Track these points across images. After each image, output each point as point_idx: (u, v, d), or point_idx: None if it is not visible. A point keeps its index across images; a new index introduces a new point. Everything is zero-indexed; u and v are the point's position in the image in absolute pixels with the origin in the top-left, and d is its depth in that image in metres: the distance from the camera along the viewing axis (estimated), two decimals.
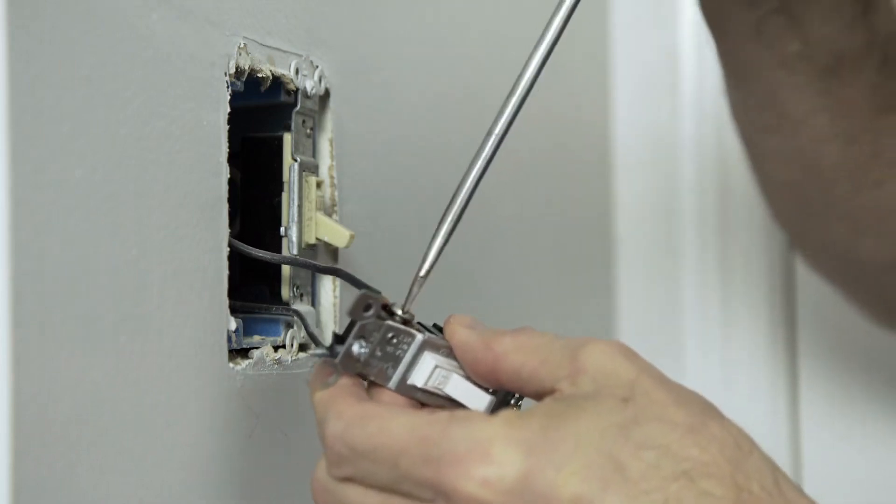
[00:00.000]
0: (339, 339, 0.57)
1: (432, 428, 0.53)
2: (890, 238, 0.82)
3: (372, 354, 0.57)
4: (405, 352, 0.57)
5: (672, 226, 1.09)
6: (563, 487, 0.51)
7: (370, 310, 0.57)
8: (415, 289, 0.59)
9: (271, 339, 0.66)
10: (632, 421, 0.52)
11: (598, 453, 0.51)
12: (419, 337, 0.57)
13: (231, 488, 0.62)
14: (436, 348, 0.58)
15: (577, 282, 1.05)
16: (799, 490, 0.53)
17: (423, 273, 0.59)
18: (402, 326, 0.57)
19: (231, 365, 0.62)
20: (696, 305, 1.09)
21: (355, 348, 0.57)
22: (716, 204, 1.07)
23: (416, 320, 0.59)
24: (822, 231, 0.84)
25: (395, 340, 0.57)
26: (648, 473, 0.51)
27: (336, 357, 0.57)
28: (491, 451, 0.51)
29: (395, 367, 0.57)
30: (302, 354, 0.67)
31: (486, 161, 0.60)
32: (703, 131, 1.07)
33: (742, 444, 0.53)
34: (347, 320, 0.58)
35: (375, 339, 0.57)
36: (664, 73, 1.08)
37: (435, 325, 0.59)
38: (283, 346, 0.66)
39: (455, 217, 0.60)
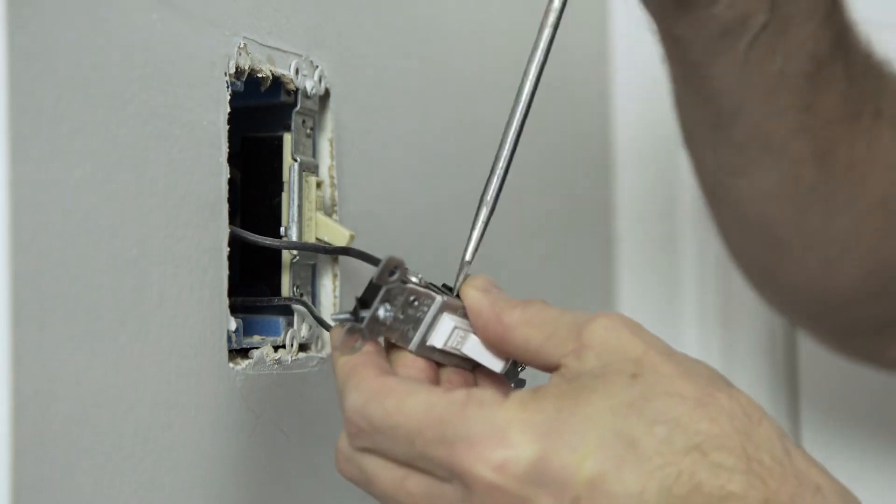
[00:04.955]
0: (362, 303, 0.58)
1: (449, 409, 0.53)
2: (860, 264, 0.82)
3: (395, 318, 0.58)
4: (425, 314, 0.58)
5: (672, 225, 1.09)
6: (579, 469, 0.51)
7: (395, 274, 0.57)
8: (461, 274, 0.59)
9: (271, 339, 0.65)
10: (641, 397, 0.53)
11: (610, 432, 0.52)
12: (439, 299, 0.58)
13: (231, 488, 0.62)
14: (454, 309, 0.58)
15: (576, 283, 1.05)
16: (807, 456, 0.54)
17: (468, 258, 0.60)
18: (423, 289, 0.58)
19: (231, 365, 0.62)
20: (695, 305, 1.09)
21: (381, 312, 0.57)
22: None
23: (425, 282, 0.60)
24: (794, 266, 0.84)
25: (416, 303, 0.58)
26: (661, 448, 0.51)
27: (362, 322, 0.57)
28: (507, 435, 0.52)
29: (416, 328, 0.58)
30: (302, 354, 0.67)
31: (510, 150, 0.62)
32: None
33: (751, 413, 0.53)
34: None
35: (399, 303, 0.58)
36: (664, 73, 1.08)
37: (444, 285, 0.60)
38: (283, 346, 0.66)
39: (490, 207, 0.61)
